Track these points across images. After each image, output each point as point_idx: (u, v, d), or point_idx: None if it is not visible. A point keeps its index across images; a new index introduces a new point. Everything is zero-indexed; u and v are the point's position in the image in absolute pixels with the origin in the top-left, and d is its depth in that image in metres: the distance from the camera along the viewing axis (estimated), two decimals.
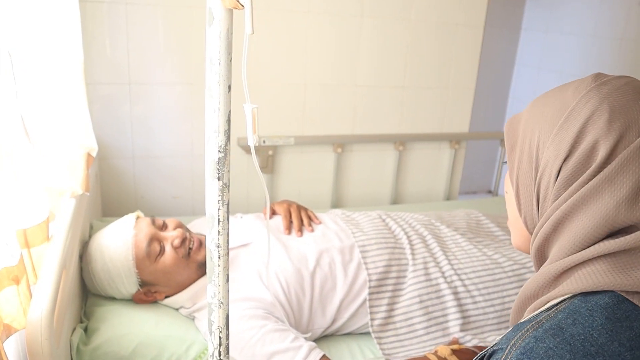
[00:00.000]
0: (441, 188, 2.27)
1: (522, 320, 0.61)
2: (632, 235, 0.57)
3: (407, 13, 1.97)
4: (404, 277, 1.32)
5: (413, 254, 1.35)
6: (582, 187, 0.59)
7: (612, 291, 0.56)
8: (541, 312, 0.60)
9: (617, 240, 0.57)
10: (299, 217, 1.42)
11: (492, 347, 0.60)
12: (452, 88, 2.13)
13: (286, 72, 1.89)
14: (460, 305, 1.29)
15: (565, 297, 0.59)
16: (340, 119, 2.02)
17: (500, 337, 0.61)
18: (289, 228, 1.39)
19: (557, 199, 0.61)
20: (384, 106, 2.06)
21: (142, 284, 1.25)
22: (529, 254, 0.69)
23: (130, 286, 1.24)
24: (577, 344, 0.52)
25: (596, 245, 0.58)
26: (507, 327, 1.31)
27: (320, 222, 1.44)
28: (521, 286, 1.34)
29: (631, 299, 0.55)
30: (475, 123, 2.59)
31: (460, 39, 2.07)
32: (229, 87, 0.61)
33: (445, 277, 1.32)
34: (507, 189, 0.72)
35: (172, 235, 1.28)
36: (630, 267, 0.57)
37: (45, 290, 0.90)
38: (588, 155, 0.59)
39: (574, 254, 0.59)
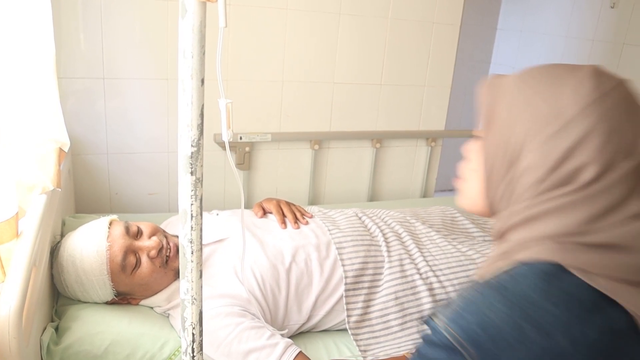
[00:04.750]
0: (417, 185, 2.29)
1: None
2: (596, 235, 0.59)
3: (384, 11, 1.98)
4: (380, 274, 1.33)
5: (389, 251, 1.36)
6: (561, 198, 0.60)
7: (557, 264, 0.59)
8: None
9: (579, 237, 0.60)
10: (291, 211, 1.42)
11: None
12: (429, 86, 2.15)
13: (264, 68, 1.88)
14: (435, 301, 1.31)
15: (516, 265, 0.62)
16: (318, 116, 2.02)
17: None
18: (284, 222, 1.39)
19: (532, 199, 0.63)
20: (361, 103, 2.07)
21: (118, 294, 1.22)
22: (476, 213, 0.73)
23: (105, 296, 1.21)
24: (513, 299, 0.57)
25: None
26: None
27: (312, 216, 1.44)
28: None
29: (571, 271, 0.59)
30: (452, 121, 2.62)
31: (437, 37, 2.09)
32: (202, 81, 0.60)
33: (420, 274, 1.33)
34: (470, 157, 0.73)
35: (148, 246, 1.23)
36: (580, 251, 0.60)
37: (13, 287, 0.88)
38: (574, 173, 0.60)
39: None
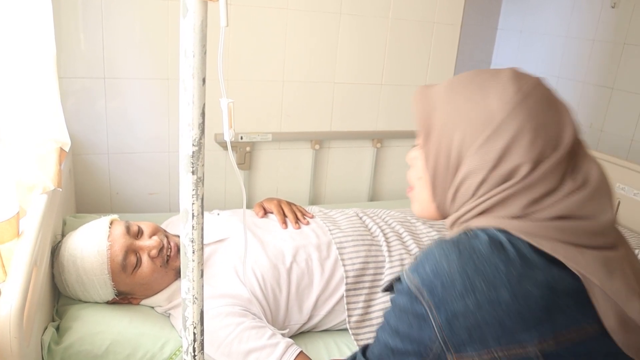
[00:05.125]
0: None
1: None
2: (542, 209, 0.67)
3: (385, 11, 1.98)
4: (381, 273, 1.33)
5: (389, 251, 1.36)
6: (504, 192, 0.67)
7: (506, 230, 0.67)
8: None
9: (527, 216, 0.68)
10: (292, 211, 1.42)
11: None
12: None
13: (264, 68, 1.88)
14: None
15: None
16: (318, 116, 2.02)
17: None
18: (285, 222, 1.39)
19: (478, 198, 0.69)
20: (361, 103, 2.07)
21: (118, 293, 1.22)
22: (430, 218, 0.79)
23: (105, 296, 1.21)
24: (464, 251, 0.64)
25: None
26: None
27: (313, 216, 1.44)
28: None
29: (518, 235, 0.66)
30: None
31: (438, 37, 2.09)
32: (204, 80, 0.60)
33: None
34: (415, 164, 0.78)
35: (148, 245, 1.23)
36: (526, 224, 0.66)
37: (14, 287, 0.88)
38: (512, 171, 0.66)
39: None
